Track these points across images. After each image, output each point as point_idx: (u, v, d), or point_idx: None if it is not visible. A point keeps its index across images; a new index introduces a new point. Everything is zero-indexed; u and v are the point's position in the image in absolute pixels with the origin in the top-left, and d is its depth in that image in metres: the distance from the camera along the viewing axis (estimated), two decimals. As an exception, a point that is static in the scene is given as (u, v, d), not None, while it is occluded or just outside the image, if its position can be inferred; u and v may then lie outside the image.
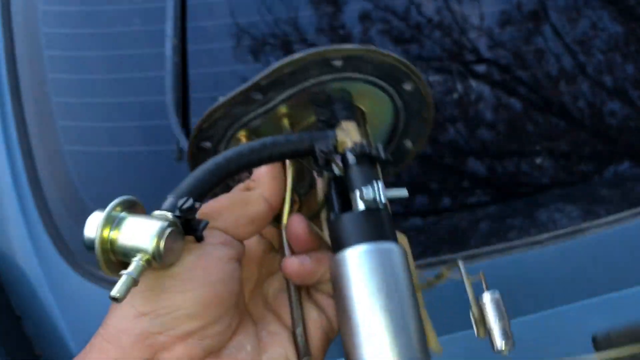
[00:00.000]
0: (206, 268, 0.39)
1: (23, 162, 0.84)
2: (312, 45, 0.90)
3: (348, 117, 0.44)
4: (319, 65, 0.43)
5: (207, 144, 0.47)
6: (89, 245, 0.37)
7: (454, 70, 0.91)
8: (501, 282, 0.79)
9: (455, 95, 0.90)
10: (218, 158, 0.41)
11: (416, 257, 0.87)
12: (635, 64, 0.97)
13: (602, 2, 0.97)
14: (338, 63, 0.43)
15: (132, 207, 0.39)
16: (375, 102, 0.47)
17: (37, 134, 0.86)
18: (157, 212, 0.37)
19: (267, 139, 0.42)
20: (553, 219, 0.86)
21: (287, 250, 0.45)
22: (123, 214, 0.38)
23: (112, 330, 0.37)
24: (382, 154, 0.42)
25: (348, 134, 0.43)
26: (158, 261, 0.36)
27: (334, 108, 0.45)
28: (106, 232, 0.37)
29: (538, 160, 0.90)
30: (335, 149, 0.42)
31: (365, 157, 0.41)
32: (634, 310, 0.71)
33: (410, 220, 0.88)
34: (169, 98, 0.80)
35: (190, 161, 0.48)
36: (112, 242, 0.37)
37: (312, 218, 0.46)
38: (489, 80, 0.91)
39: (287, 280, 0.44)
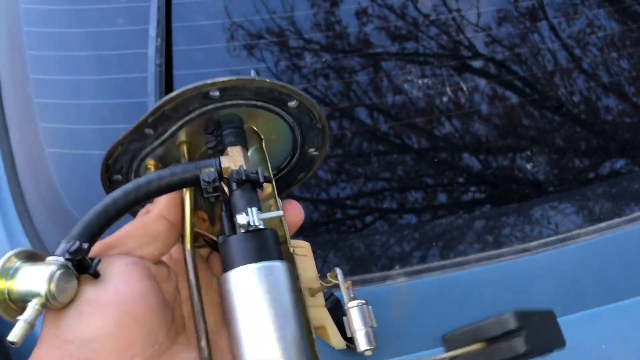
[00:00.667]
0: (118, 290, 0.41)
1: (3, 164, 0.84)
2: (310, 42, 0.90)
3: (233, 143, 0.47)
4: (199, 98, 0.46)
5: (118, 177, 0.50)
6: None
7: (451, 66, 0.91)
8: (490, 289, 0.80)
9: (450, 92, 0.90)
10: (106, 199, 0.44)
11: (408, 256, 0.88)
12: (631, 61, 0.97)
13: (599, 0, 0.98)
14: (215, 94, 0.46)
15: (29, 257, 0.41)
16: (268, 120, 0.50)
17: (18, 135, 0.86)
18: (49, 258, 0.40)
19: (152, 174, 0.45)
20: (547, 216, 0.87)
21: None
22: (18, 264, 0.40)
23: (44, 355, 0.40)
24: (261, 177, 0.44)
25: (232, 160, 0.45)
26: (52, 302, 0.38)
27: (222, 134, 0.47)
28: (2, 283, 0.39)
29: (529, 166, 0.90)
30: (220, 175, 0.45)
31: (245, 182, 0.44)
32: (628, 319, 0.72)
33: (405, 217, 0.89)
34: (151, 100, 0.80)
35: (107, 193, 0.51)
36: (9, 292, 0.39)
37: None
38: (485, 75, 0.91)
39: (190, 291, 0.45)
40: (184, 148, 0.49)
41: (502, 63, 0.92)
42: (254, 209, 0.42)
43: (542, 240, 0.81)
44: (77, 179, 0.82)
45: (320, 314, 0.48)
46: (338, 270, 0.48)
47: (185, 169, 0.45)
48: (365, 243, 0.86)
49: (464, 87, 0.90)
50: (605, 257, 0.80)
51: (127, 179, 0.51)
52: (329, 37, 0.90)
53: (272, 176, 0.49)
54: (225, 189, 0.46)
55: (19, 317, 0.38)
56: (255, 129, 0.51)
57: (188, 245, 0.46)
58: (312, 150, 0.54)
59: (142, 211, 0.48)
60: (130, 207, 0.44)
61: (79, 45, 0.88)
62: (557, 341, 0.51)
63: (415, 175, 0.89)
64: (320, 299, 0.49)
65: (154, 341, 0.41)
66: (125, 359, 0.39)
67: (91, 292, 0.40)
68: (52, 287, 0.38)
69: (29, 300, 0.39)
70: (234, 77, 0.46)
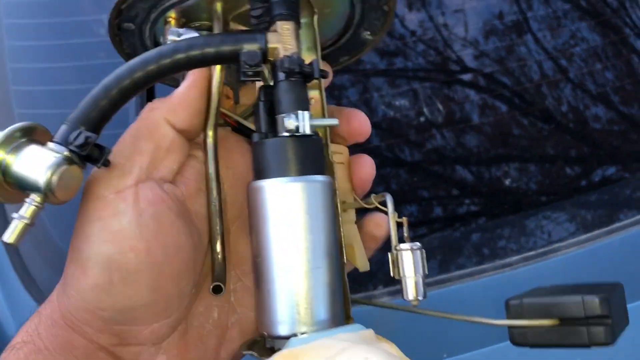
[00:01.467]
0: (149, 250, 0.36)
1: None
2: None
3: (285, 17, 0.38)
4: None
5: (130, 25, 0.42)
6: None
7: (440, 80, 0.93)
8: (476, 305, 0.80)
9: (439, 103, 0.91)
10: (120, 70, 0.36)
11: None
12: (615, 72, 0.99)
13: (580, 13, 1.00)
14: None
15: (35, 134, 0.36)
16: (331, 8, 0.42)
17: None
18: (52, 145, 0.35)
19: (180, 43, 0.37)
20: (541, 225, 0.88)
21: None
22: (24, 139, 0.35)
23: (73, 319, 0.37)
24: (316, 72, 0.37)
25: (281, 40, 0.38)
26: (51, 199, 0.34)
27: (272, 1, 0.39)
28: (1, 154, 0.34)
29: (510, 180, 0.92)
30: (265, 56, 0.37)
31: (296, 74, 0.37)
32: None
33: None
34: None
35: (114, 44, 0.44)
36: (6, 167, 0.34)
37: (248, 117, 0.43)
38: (474, 88, 0.92)
39: (208, 186, 0.40)
40: (218, 6, 0.41)
41: (491, 75, 0.93)
42: (306, 113, 0.36)
43: (524, 255, 0.82)
44: (62, 210, 0.81)
45: (349, 232, 0.43)
46: (388, 197, 0.42)
47: (222, 40, 0.37)
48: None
49: (440, 107, 0.91)
50: (588, 268, 0.80)
51: (140, 30, 0.43)
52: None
53: (329, 70, 0.41)
54: (266, 72, 0.39)
55: (14, 215, 0.34)
56: (310, 1, 0.42)
57: (210, 132, 0.40)
58: (366, 33, 0.45)
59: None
60: (150, 82, 0.37)
61: (62, 79, 0.89)
62: (624, 321, 0.47)
63: (410, 189, 0.90)
64: (351, 214, 0.44)
65: (191, 287, 0.38)
66: (163, 318, 0.37)
67: (118, 255, 0.35)
68: (53, 182, 0.34)
69: (25, 188, 0.34)
70: None
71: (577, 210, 0.87)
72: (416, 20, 0.93)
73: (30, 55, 0.91)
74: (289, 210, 0.35)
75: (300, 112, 0.36)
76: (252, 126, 0.42)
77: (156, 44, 0.44)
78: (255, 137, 0.38)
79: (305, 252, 0.35)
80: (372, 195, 0.44)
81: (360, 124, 0.43)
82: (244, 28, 0.43)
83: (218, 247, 0.39)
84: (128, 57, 0.45)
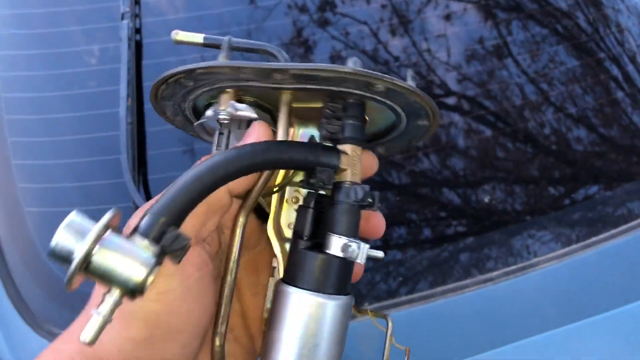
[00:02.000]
0: (191, 311, 0.38)
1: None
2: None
3: (358, 142, 0.40)
4: (359, 84, 0.39)
5: (189, 82, 0.42)
6: (62, 256, 0.33)
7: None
8: (455, 320, 0.82)
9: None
10: (201, 168, 0.36)
11: (396, 290, 0.89)
12: (594, 95, 1.03)
13: (557, 37, 1.04)
14: (378, 88, 0.39)
15: (112, 220, 0.34)
16: (379, 113, 0.43)
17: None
18: (140, 241, 0.33)
19: (272, 146, 0.38)
20: (527, 245, 0.89)
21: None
22: (110, 230, 0.33)
23: (105, 348, 0.37)
24: (376, 205, 0.40)
25: (351, 162, 0.40)
26: (137, 297, 0.33)
27: (345, 122, 0.40)
28: (90, 248, 0.32)
29: (495, 201, 0.94)
30: (335, 174, 0.40)
31: (359, 203, 0.39)
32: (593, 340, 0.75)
33: (390, 253, 0.90)
34: (124, 157, 0.82)
35: (155, 95, 0.43)
36: (90, 258, 0.32)
37: (265, 195, 0.44)
38: (458, 111, 0.95)
39: (225, 272, 0.41)
40: (286, 96, 0.41)
41: (474, 99, 0.96)
42: (364, 245, 0.38)
43: (504, 270, 0.84)
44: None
45: None
46: (390, 319, 0.45)
47: (309, 152, 0.39)
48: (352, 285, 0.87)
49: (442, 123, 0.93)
50: (567, 280, 0.83)
51: (194, 88, 0.42)
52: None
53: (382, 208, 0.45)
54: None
55: (93, 311, 0.32)
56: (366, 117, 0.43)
57: (242, 218, 0.41)
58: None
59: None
60: (235, 178, 0.37)
61: (54, 108, 0.90)
62: None
63: (398, 211, 0.91)
64: None
65: (204, 329, 0.40)
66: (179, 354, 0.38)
67: (165, 315, 0.36)
68: (147, 283, 0.32)
69: (108, 281, 0.32)
70: (411, 86, 0.38)
71: (562, 229, 0.89)
72: (400, 45, 0.96)
73: (22, 85, 0.92)
74: (319, 322, 0.38)
75: (362, 244, 0.39)
76: (267, 209, 0.44)
77: (196, 109, 0.45)
78: (302, 244, 0.41)
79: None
80: (370, 309, 0.46)
81: (376, 225, 0.45)
82: (300, 121, 0.45)
83: (223, 328, 0.41)
84: (165, 115, 0.46)
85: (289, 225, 0.44)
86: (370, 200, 0.39)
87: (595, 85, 1.04)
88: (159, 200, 0.35)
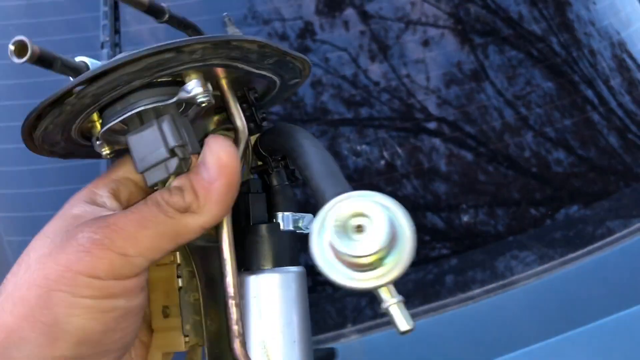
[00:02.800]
0: (127, 328, 0.35)
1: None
2: (269, 113, 0.95)
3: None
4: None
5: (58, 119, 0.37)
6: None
7: (405, 128, 0.97)
8: (437, 339, 0.83)
9: (407, 153, 0.95)
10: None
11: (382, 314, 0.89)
12: (571, 117, 1.05)
13: (532, 61, 1.07)
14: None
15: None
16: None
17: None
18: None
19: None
20: (510, 266, 0.91)
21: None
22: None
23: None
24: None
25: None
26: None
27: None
28: None
29: (478, 223, 0.95)
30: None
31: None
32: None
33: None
34: None
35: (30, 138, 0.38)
36: None
37: None
38: (440, 136, 0.97)
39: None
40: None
41: (454, 123, 0.98)
42: (309, 215, 0.41)
43: (485, 288, 0.85)
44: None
45: None
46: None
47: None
48: (336, 307, 0.87)
49: (399, 150, 0.95)
50: (547, 296, 0.84)
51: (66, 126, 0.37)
52: (287, 107, 0.95)
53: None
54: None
55: (385, 304, 0.31)
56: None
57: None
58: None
59: (171, 196, 0.34)
60: None
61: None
62: None
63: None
64: None
65: (129, 347, 0.38)
66: None
67: (101, 334, 0.33)
68: None
69: None
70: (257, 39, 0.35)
71: (541, 247, 0.90)
72: (379, 71, 0.98)
73: (1, 115, 0.92)
74: (290, 294, 0.40)
75: (307, 215, 0.41)
76: None
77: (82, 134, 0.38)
78: (259, 228, 0.41)
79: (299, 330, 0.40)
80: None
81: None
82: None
83: (240, 328, 0.40)
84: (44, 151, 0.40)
85: None
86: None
87: (572, 108, 1.06)
88: (326, 183, 0.34)
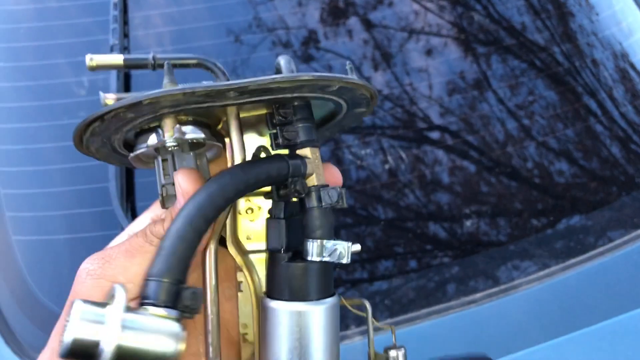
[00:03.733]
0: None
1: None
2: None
3: (314, 144, 0.41)
4: (312, 87, 0.39)
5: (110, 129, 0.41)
6: (84, 350, 0.31)
7: (408, 138, 0.98)
8: (440, 341, 0.83)
9: (410, 161, 0.96)
10: (188, 213, 0.37)
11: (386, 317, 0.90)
12: (573, 127, 1.07)
13: (535, 70, 1.08)
14: (333, 88, 0.39)
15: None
16: (317, 107, 0.43)
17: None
18: (157, 311, 0.34)
19: (248, 174, 0.38)
20: (511, 277, 0.92)
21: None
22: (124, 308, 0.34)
23: None
24: (346, 203, 0.40)
25: (314, 167, 0.40)
26: None
27: (298, 126, 0.40)
28: (119, 335, 0.32)
29: (480, 234, 0.97)
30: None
31: (331, 205, 0.39)
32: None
33: (375, 284, 0.91)
34: (112, 185, 0.84)
35: (81, 145, 0.42)
36: (120, 350, 0.32)
37: None
38: (443, 148, 0.98)
39: (205, 307, 0.41)
40: (233, 111, 0.41)
41: (457, 134, 0.99)
42: (347, 244, 0.39)
43: (490, 290, 0.87)
44: (44, 265, 0.83)
45: None
46: (367, 304, 0.45)
47: (274, 167, 0.39)
48: (340, 309, 0.88)
49: (403, 155, 0.96)
50: (549, 300, 0.85)
51: (133, 119, 0.40)
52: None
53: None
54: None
55: None
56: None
57: (212, 245, 0.41)
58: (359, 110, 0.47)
59: (152, 217, 0.42)
60: (219, 214, 0.38)
61: (44, 138, 0.92)
62: None
63: (385, 245, 0.93)
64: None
65: None
66: None
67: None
68: (181, 350, 0.33)
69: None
70: (362, 81, 0.39)
71: (543, 252, 0.91)
72: (382, 79, 0.99)
73: (10, 116, 0.94)
74: (315, 330, 0.39)
75: (345, 243, 0.39)
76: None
77: (127, 142, 0.43)
78: (279, 257, 0.40)
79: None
80: (345, 299, 0.45)
81: (332, 175, 0.44)
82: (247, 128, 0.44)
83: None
84: (92, 154, 0.44)
85: (247, 237, 0.44)
86: (341, 199, 0.40)
87: (575, 118, 1.08)
88: (154, 260, 0.36)
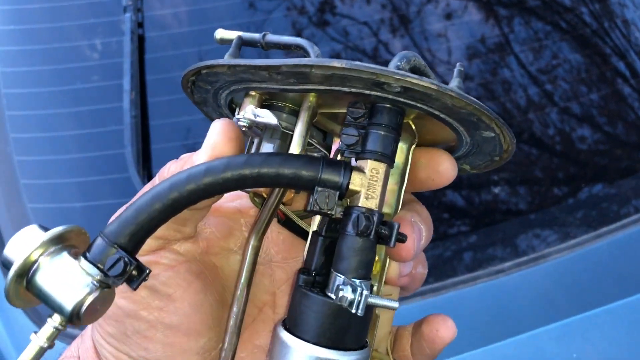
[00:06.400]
0: (175, 310, 0.38)
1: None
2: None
3: (379, 157, 0.34)
4: (367, 82, 0.33)
5: (206, 86, 0.39)
6: (6, 265, 0.32)
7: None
8: (470, 311, 0.84)
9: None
10: (178, 178, 0.33)
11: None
12: (598, 91, 1.05)
13: (560, 33, 1.06)
14: (395, 89, 0.33)
15: (71, 237, 0.34)
16: (435, 125, 0.36)
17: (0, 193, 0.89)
18: (85, 264, 0.32)
19: (255, 158, 0.34)
20: (532, 245, 0.92)
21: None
22: (61, 245, 0.33)
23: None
24: (393, 240, 0.34)
25: (367, 183, 0.34)
26: (75, 323, 0.32)
27: (369, 130, 0.35)
28: (34, 257, 0.32)
29: (499, 202, 0.96)
30: (342, 196, 0.34)
31: (369, 235, 0.33)
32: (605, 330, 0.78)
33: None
34: (128, 151, 0.85)
35: (183, 90, 0.41)
36: (33, 274, 0.32)
37: (304, 217, 0.41)
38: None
39: (232, 304, 0.39)
40: (312, 97, 0.36)
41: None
42: (365, 292, 0.33)
43: (517, 260, 0.86)
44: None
45: None
46: None
47: (303, 165, 0.33)
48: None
49: None
50: (576, 271, 0.86)
51: (216, 94, 0.40)
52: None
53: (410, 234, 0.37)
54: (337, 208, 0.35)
55: (33, 336, 0.32)
56: (412, 125, 0.38)
57: (253, 240, 0.38)
58: (465, 165, 0.42)
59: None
60: (209, 196, 0.33)
61: (57, 103, 0.93)
62: None
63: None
64: None
65: (216, 341, 0.40)
66: None
67: (132, 312, 0.37)
68: (82, 311, 0.31)
69: (48, 306, 0.32)
70: (433, 84, 0.32)
71: (571, 221, 0.91)
72: (400, 45, 0.98)
73: (23, 81, 0.95)
74: None
75: (360, 285, 0.33)
76: (308, 228, 0.40)
77: (231, 107, 0.41)
78: (301, 278, 0.36)
79: None
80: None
81: (446, 169, 0.38)
82: (331, 124, 0.40)
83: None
84: (196, 104, 0.43)
85: None
86: (385, 231, 0.33)
87: (600, 81, 1.06)
88: (114, 220, 0.33)
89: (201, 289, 0.38)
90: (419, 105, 0.34)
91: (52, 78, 0.94)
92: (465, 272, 0.86)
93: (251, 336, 0.42)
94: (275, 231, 0.42)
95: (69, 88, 0.94)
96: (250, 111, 0.37)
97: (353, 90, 0.34)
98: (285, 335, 0.34)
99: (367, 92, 0.33)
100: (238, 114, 0.37)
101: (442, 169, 0.38)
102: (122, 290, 0.36)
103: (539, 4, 1.07)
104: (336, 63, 0.32)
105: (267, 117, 0.37)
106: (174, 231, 0.37)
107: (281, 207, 0.40)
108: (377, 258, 0.39)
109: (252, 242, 0.38)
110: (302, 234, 0.41)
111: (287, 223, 0.41)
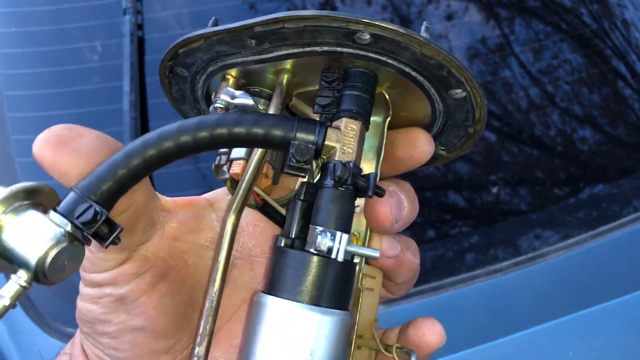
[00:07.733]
0: (129, 311, 0.37)
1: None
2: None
3: (353, 115, 0.35)
4: (338, 33, 0.33)
5: (183, 71, 0.39)
6: None
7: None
8: (467, 310, 0.85)
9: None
10: (151, 136, 0.32)
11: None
12: (599, 92, 1.06)
13: (560, 34, 1.07)
14: (364, 38, 0.33)
15: (41, 197, 0.32)
16: (407, 94, 0.37)
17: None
18: (54, 215, 0.31)
19: (227, 117, 0.33)
20: (533, 246, 0.92)
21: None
22: (26, 202, 0.31)
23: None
24: (371, 190, 0.33)
25: (342, 140, 0.34)
26: (41, 280, 0.30)
27: (344, 93, 0.35)
28: None
29: (501, 202, 0.97)
30: (318, 153, 0.34)
31: (346, 185, 0.33)
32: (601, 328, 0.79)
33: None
34: None
35: (162, 86, 0.41)
36: None
37: (285, 205, 0.40)
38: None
39: (209, 285, 0.37)
40: (285, 78, 0.37)
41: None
42: (345, 236, 0.33)
43: (515, 260, 0.87)
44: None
45: None
46: (414, 357, 0.39)
47: (275, 123, 0.33)
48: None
49: None
50: (573, 270, 0.86)
51: (193, 79, 0.40)
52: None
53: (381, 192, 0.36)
54: (314, 166, 0.37)
55: None
56: (386, 96, 0.38)
57: (232, 217, 0.36)
58: (440, 148, 0.42)
59: None
60: (182, 155, 0.32)
61: (58, 105, 0.94)
62: None
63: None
64: (365, 354, 0.41)
65: (187, 340, 0.40)
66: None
67: (101, 315, 0.38)
68: (47, 263, 0.29)
69: (12, 262, 0.30)
70: (400, 28, 0.33)
71: (569, 220, 0.92)
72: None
73: (24, 83, 0.96)
74: (294, 341, 0.32)
75: (339, 232, 0.33)
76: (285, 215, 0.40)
77: (208, 97, 0.42)
78: (280, 240, 0.35)
79: None
80: (395, 347, 0.40)
81: (423, 143, 0.39)
82: (306, 108, 0.40)
83: (202, 350, 0.36)
84: (174, 101, 0.43)
85: None
86: (362, 182, 0.33)
87: (601, 82, 1.07)
88: (88, 175, 0.32)
89: (167, 292, 0.38)
90: (389, 62, 0.35)
91: (53, 80, 0.95)
92: (464, 272, 0.86)
93: (228, 334, 0.41)
94: (252, 224, 0.41)
95: (69, 90, 0.94)
96: (228, 93, 0.38)
97: (325, 48, 0.34)
98: (260, 296, 0.34)
99: (339, 49, 0.34)
100: (216, 97, 0.38)
101: (420, 143, 0.39)
102: (91, 296, 0.37)
103: (539, 5, 1.08)
104: (307, 12, 0.33)
105: (243, 97, 0.38)
106: (140, 234, 0.37)
107: (257, 189, 0.39)
108: (357, 234, 0.39)
109: (231, 219, 0.36)
110: (280, 222, 0.40)
111: (264, 209, 0.40)
